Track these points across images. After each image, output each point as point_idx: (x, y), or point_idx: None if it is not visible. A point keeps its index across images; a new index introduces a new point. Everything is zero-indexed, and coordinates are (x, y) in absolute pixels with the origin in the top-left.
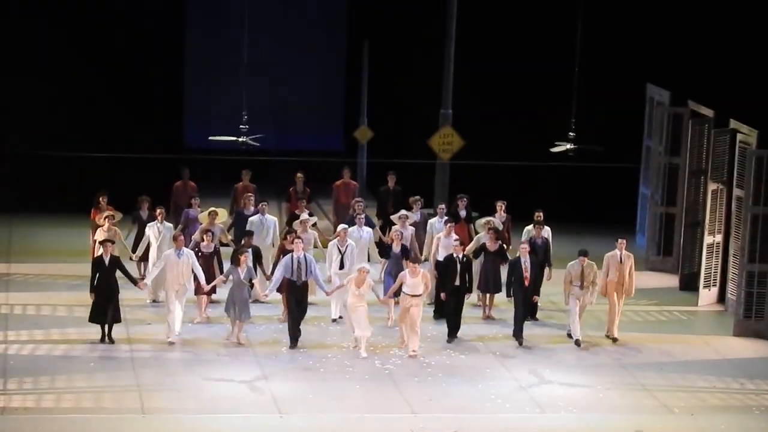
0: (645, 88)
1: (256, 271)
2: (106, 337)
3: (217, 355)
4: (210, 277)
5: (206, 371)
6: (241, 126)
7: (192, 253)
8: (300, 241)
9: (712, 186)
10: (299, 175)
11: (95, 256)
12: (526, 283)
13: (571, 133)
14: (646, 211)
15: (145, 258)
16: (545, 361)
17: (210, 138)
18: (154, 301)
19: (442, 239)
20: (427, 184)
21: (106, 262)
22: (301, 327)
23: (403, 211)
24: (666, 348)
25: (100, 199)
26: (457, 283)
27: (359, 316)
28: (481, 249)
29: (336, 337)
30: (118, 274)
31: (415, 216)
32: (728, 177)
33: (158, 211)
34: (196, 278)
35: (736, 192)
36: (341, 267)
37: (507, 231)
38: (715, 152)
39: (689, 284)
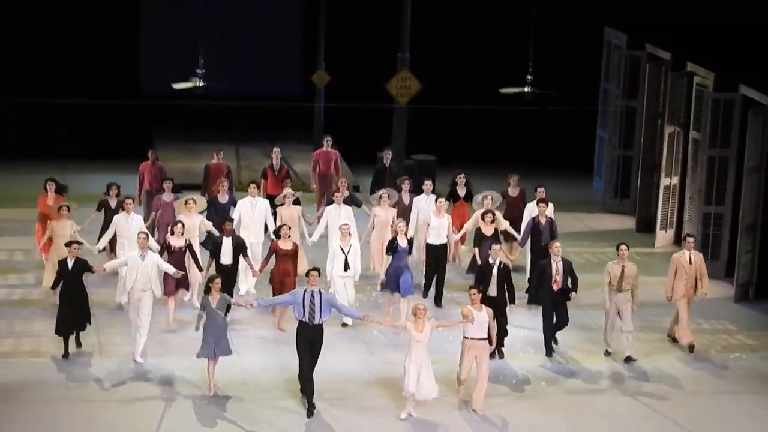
0: (602, 31)
1: (237, 267)
2: (75, 343)
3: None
4: (182, 280)
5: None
6: (197, 70)
7: (156, 255)
8: (316, 274)
9: (669, 129)
10: (275, 150)
11: (59, 259)
12: (555, 287)
13: (528, 77)
14: (603, 154)
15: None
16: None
17: (174, 86)
18: (120, 306)
19: (432, 220)
20: (385, 128)
21: (70, 266)
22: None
23: (382, 191)
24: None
25: (48, 185)
26: (494, 293)
27: (414, 368)
28: (479, 235)
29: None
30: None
31: (403, 198)
32: (685, 120)
33: (127, 201)
34: (167, 279)
35: (693, 134)
36: (345, 269)
37: (522, 205)
38: (672, 95)
39: (646, 226)
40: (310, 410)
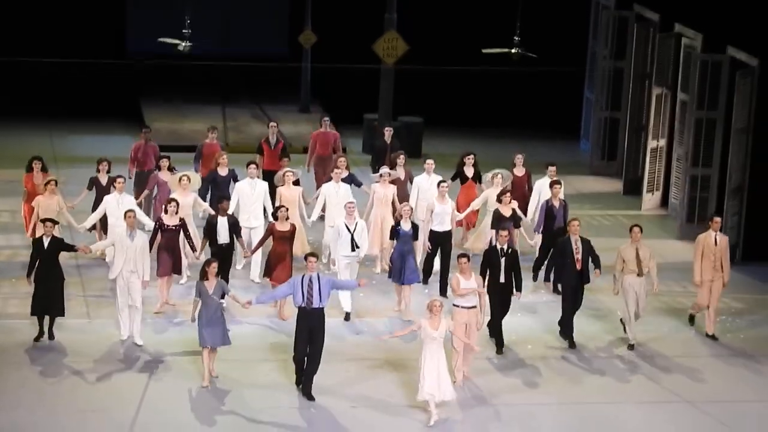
0: None
1: (233, 247)
2: (47, 334)
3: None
4: (176, 259)
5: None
6: (183, 31)
7: (144, 236)
8: (314, 260)
9: (656, 90)
10: (272, 124)
11: (34, 237)
12: (578, 266)
13: (516, 38)
14: (590, 116)
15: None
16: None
17: (159, 40)
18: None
19: (436, 206)
20: (372, 89)
21: (46, 244)
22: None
23: (383, 169)
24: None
25: (34, 164)
26: (503, 280)
27: (432, 368)
28: (497, 217)
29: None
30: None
31: (399, 172)
32: (673, 81)
33: (118, 180)
34: (161, 259)
35: (681, 96)
36: (352, 249)
37: (528, 188)
38: (660, 56)
39: (633, 188)
40: (307, 391)
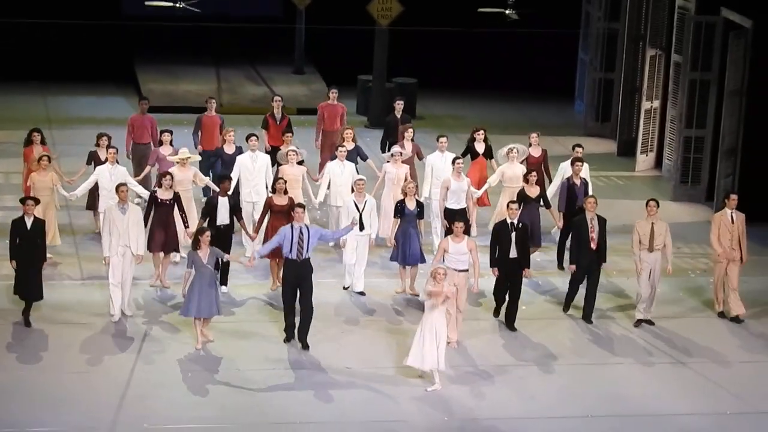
0: None
1: (232, 228)
2: (24, 321)
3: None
4: (170, 235)
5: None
6: None
7: (138, 209)
8: (301, 210)
9: (650, 51)
10: (277, 98)
11: (15, 218)
12: (593, 245)
13: None
14: (585, 77)
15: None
16: None
17: (146, 3)
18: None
19: (452, 183)
20: (367, 51)
21: (28, 225)
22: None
23: (395, 148)
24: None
25: (33, 136)
26: (514, 255)
27: (431, 336)
28: (523, 196)
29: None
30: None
31: (406, 146)
32: (667, 42)
33: (110, 151)
34: (153, 234)
35: (675, 57)
36: (361, 228)
37: (545, 167)
38: (654, 18)
39: (627, 150)
40: (303, 339)
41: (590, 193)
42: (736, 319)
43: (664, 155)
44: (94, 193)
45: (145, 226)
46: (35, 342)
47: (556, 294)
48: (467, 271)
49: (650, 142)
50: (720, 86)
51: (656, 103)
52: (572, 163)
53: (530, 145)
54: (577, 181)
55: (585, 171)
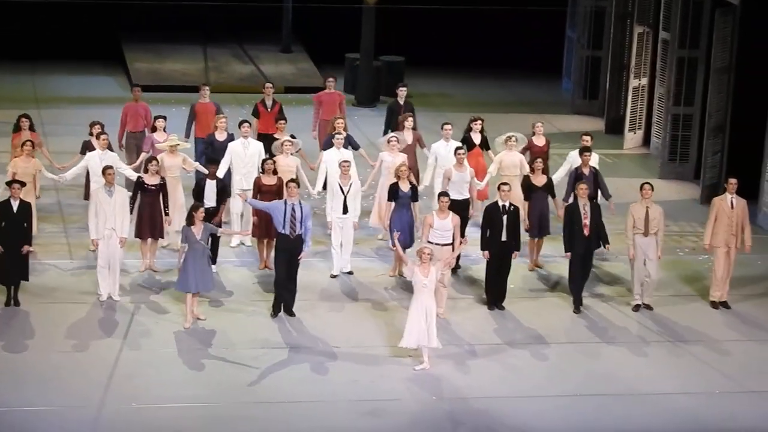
0: None
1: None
2: (12, 300)
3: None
4: (156, 221)
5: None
6: None
7: (124, 192)
8: (294, 186)
9: (638, 29)
10: (268, 85)
11: (1, 200)
12: (586, 232)
13: None
14: (572, 55)
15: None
16: None
17: None
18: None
19: (453, 173)
20: (354, 29)
21: (14, 208)
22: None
23: (392, 134)
24: None
25: (21, 122)
26: (505, 238)
27: (420, 316)
28: (528, 186)
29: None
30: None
31: (406, 136)
32: (655, 20)
33: (102, 137)
34: (141, 220)
35: (663, 35)
36: (344, 211)
37: (546, 157)
38: None
39: (615, 127)
40: (289, 309)
41: (604, 182)
42: (725, 305)
43: (652, 133)
44: (90, 184)
45: (131, 211)
46: (23, 322)
47: (547, 277)
48: (450, 245)
49: (638, 119)
50: (708, 63)
51: (644, 81)
52: (581, 153)
53: (534, 134)
54: (586, 171)
55: (594, 160)
